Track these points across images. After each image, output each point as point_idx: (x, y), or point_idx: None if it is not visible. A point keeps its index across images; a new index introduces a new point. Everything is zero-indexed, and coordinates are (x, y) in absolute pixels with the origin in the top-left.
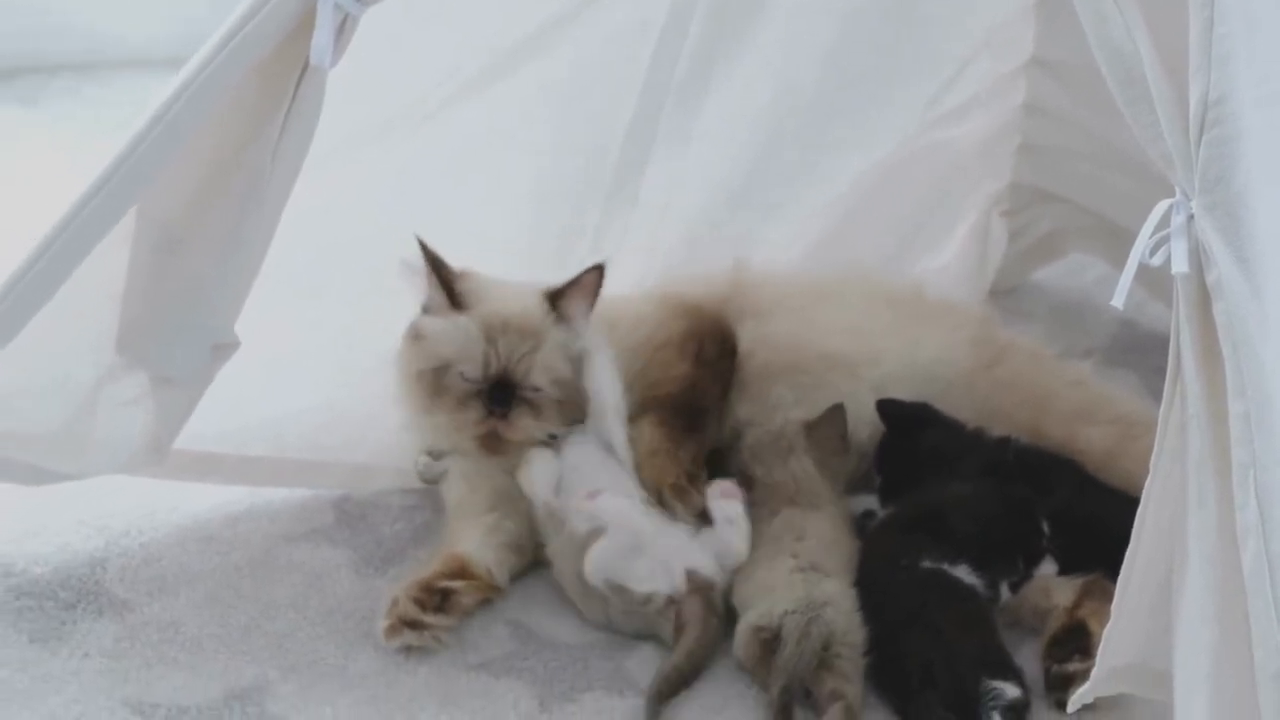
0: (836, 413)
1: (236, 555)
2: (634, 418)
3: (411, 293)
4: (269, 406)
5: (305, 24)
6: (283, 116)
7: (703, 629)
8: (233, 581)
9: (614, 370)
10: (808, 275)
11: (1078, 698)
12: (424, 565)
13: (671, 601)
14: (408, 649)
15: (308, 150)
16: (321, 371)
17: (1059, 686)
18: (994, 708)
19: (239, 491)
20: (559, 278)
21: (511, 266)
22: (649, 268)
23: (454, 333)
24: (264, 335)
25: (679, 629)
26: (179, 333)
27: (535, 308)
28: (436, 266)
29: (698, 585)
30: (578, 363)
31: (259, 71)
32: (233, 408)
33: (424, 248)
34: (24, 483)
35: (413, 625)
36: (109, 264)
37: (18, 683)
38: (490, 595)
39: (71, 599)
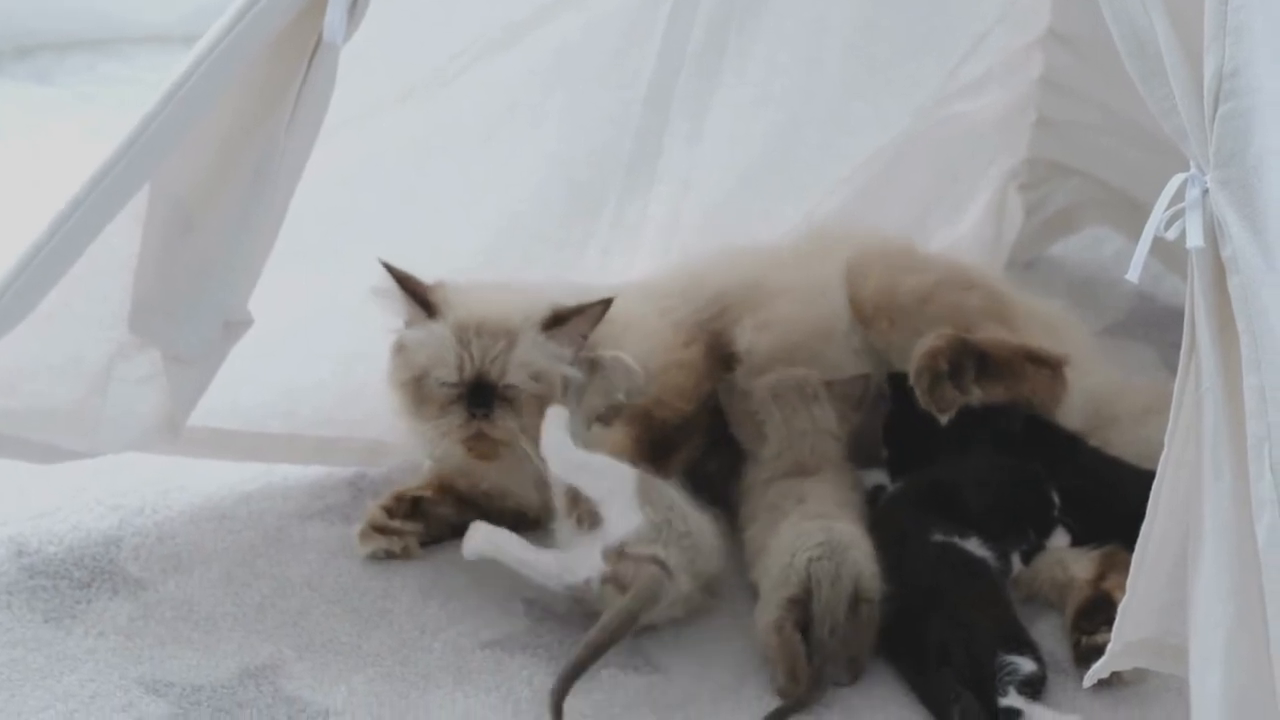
0: (859, 380)
1: (251, 533)
2: (616, 418)
3: (392, 315)
4: (282, 382)
5: (318, 0)
6: (296, 92)
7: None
8: (247, 560)
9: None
10: (787, 247)
11: (1094, 672)
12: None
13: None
14: (387, 555)
15: (321, 126)
16: (335, 347)
17: (1089, 658)
18: (1010, 682)
19: (253, 469)
20: (582, 256)
21: (532, 240)
22: (669, 244)
23: (427, 340)
24: (277, 310)
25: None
26: (191, 310)
27: (516, 311)
28: (404, 282)
29: (621, 555)
30: (560, 365)
31: (272, 47)
32: (246, 384)
33: (389, 268)
34: (37, 461)
35: (381, 530)
36: (122, 241)
37: (32, 662)
38: (471, 513)
39: (86, 578)
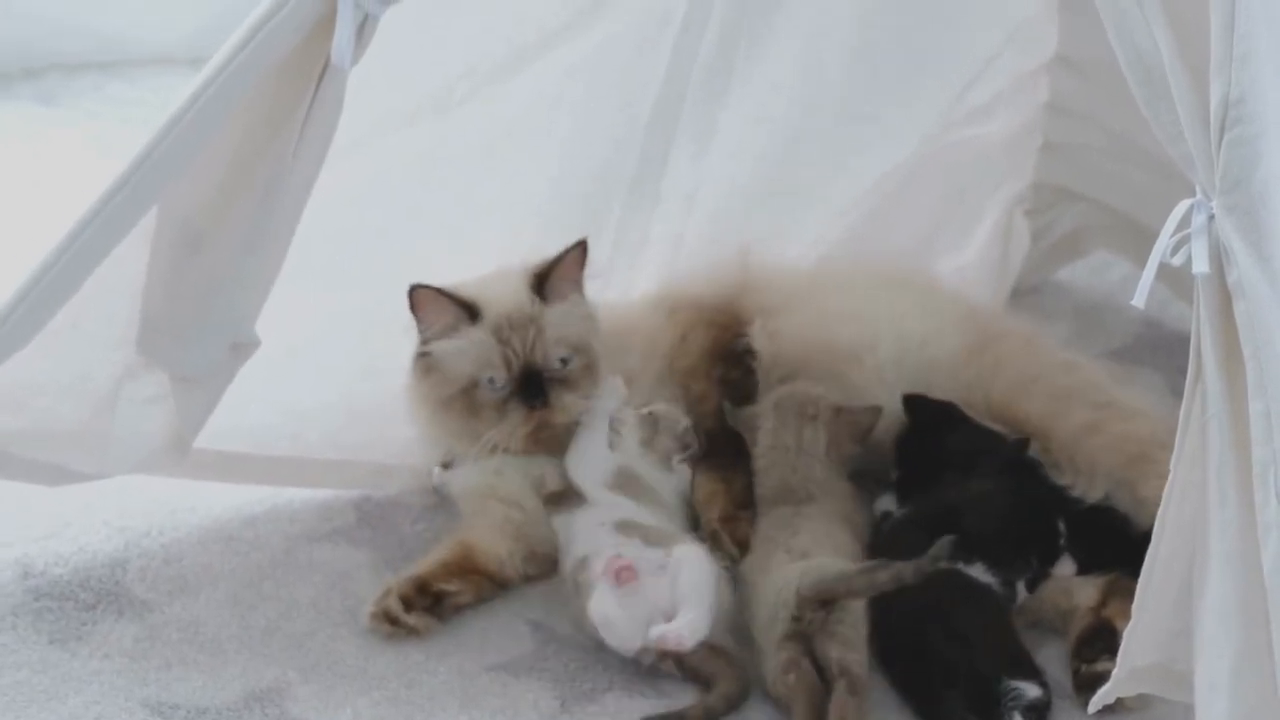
0: (871, 412)
1: (257, 555)
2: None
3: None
4: (289, 405)
5: (326, 23)
6: (303, 115)
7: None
8: (253, 582)
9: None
10: (811, 267)
11: (1099, 698)
12: (433, 552)
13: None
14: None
15: (328, 149)
16: (342, 369)
17: (1088, 686)
18: (1015, 707)
19: (260, 491)
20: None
21: (536, 258)
22: (672, 262)
23: (467, 347)
24: (284, 333)
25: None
26: (199, 331)
27: (519, 293)
28: (440, 293)
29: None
30: (587, 322)
31: (280, 70)
32: (253, 406)
33: (421, 288)
34: (45, 483)
35: (393, 622)
36: (130, 263)
37: (38, 684)
38: (493, 593)
39: (91, 600)
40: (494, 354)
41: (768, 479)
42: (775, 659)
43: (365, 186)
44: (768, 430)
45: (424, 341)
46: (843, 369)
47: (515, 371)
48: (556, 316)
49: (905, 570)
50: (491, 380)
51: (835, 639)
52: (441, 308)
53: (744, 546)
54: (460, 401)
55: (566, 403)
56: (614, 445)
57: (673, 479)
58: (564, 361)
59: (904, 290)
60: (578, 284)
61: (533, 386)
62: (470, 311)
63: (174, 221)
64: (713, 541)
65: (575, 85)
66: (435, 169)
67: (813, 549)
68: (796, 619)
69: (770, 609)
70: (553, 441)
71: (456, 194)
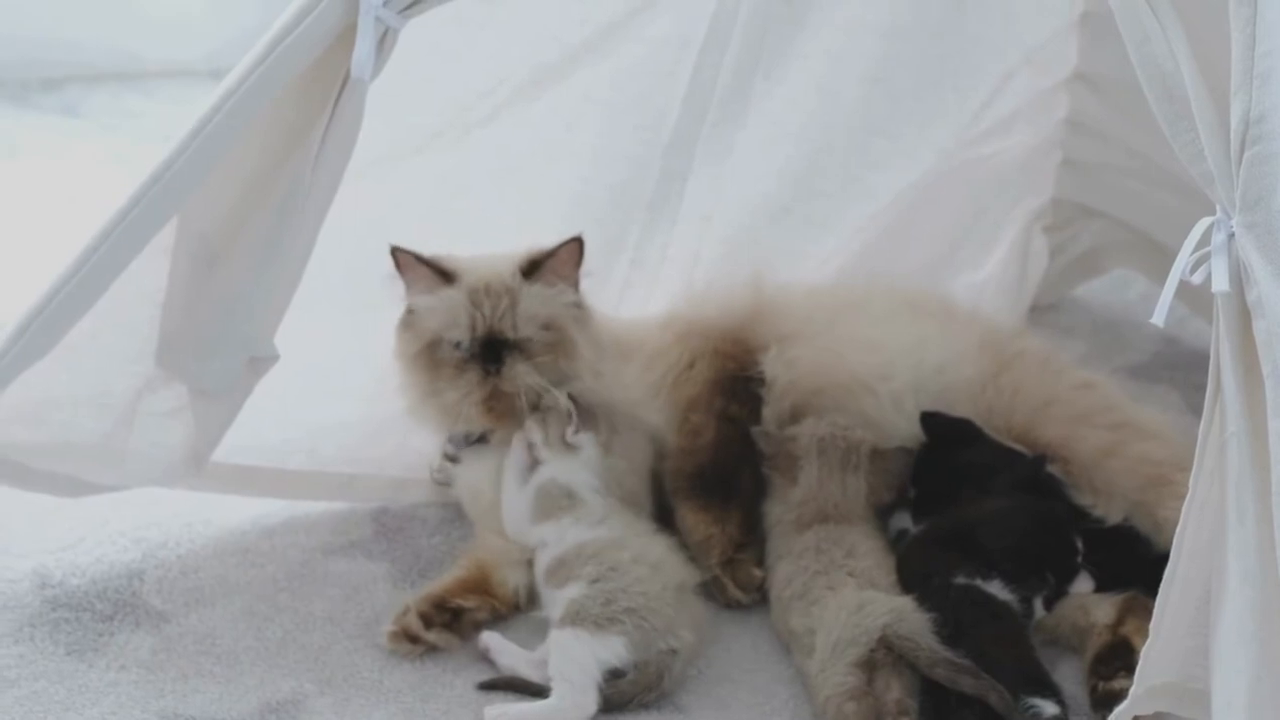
0: (902, 455)
1: (274, 567)
2: (673, 494)
3: (397, 300)
4: (306, 420)
5: (346, 37)
6: (323, 129)
7: None
8: (270, 594)
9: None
10: (829, 289)
11: (1116, 716)
12: (449, 569)
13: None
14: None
15: (348, 163)
16: (359, 384)
17: (1106, 704)
18: None
19: (276, 503)
20: (602, 290)
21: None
22: (689, 280)
23: (438, 305)
24: (302, 348)
25: None
26: (217, 345)
27: (507, 268)
28: (419, 259)
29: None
30: (568, 308)
31: (300, 84)
32: (270, 421)
33: (401, 251)
34: (63, 494)
35: (413, 640)
36: (149, 275)
37: (55, 694)
38: (510, 611)
39: (109, 610)
40: (462, 315)
41: (805, 510)
42: (841, 677)
43: (384, 208)
44: (813, 475)
45: (409, 308)
46: (859, 398)
47: (479, 334)
48: (535, 293)
49: (993, 695)
50: (457, 343)
51: (900, 679)
52: (421, 272)
53: (748, 589)
54: (424, 357)
55: (519, 371)
56: (537, 457)
57: (580, 455)
58: (528, 338)
59: (921, 315)
60: (570, 278)
61: (491, 352)
62: (446, 277)
63: (192, 235)
64: (715, 586)
65: (596, 107)
66: (455, 190)
67: (877, 576)
68: (874, 650)
69: (848, 630)
70: (509, 415)
71: (476, 215)
